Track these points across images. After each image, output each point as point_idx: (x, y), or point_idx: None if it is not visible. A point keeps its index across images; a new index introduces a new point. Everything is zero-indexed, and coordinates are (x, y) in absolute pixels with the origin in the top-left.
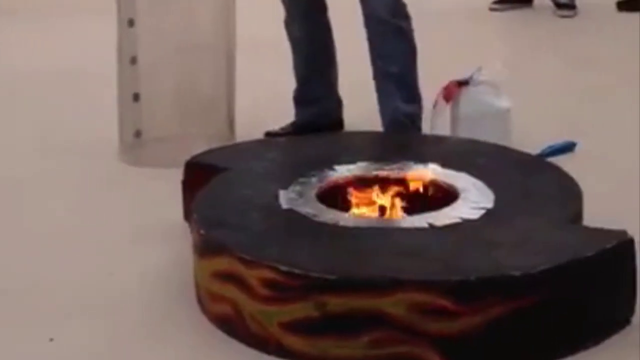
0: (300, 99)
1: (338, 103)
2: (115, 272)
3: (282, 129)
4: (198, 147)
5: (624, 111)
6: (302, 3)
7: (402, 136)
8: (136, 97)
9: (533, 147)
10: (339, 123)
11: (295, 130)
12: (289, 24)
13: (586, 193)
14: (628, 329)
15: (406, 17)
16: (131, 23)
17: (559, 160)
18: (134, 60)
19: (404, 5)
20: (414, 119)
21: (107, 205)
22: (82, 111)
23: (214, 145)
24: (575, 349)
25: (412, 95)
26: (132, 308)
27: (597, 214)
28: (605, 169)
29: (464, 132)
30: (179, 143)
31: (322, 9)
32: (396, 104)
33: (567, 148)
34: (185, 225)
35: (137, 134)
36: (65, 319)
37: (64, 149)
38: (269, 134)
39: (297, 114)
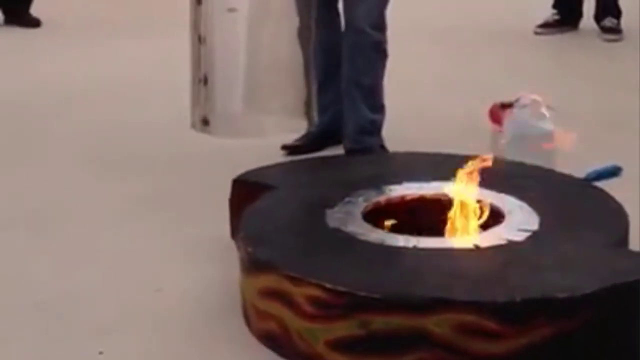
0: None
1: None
2: (162, 287)
3: (297, 140)
4: None
5: None
6: (320, 12)
7: (447, 157)
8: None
9: (577, 171)
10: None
11: (311, 139)
12: (303, 33)
13: (632, 217)
14: None
15: (384, 30)
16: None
17: (604, 185)
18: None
19: (384, 19)
20: (379, 127)
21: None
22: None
23: None
24: None
25: (379, 105)
26: (179, 324)
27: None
28: None
29: (508, 154)
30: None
31: (337, 16)
32: (363, 113)
33: (613, 173)
34: (231, 243)
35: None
36: (114, 333)
37: (119, 166)
38: (285, 148)
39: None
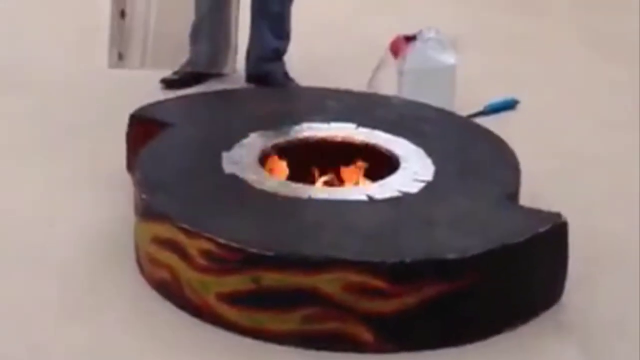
0: (195, 35)
1: (231, 48)
2: (56, 222)
3: (176, 73)
4: None
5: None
6: None
7: (347, 95)
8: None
9: (477, 103)
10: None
11: (188, 73)
12: None
13: (522, 154)
14: (555, 307)
15: None
16: None
17: (500, 119)
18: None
19: None
20: (281, 54)
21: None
22: None
23: None
24: (503, 329)
25: (284, 31)
26: (72, 262)
27: (534, 177)
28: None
29: (409, 87)
30: None
31: None
32: (267, 40)
33: (509, 105)
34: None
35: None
36: (3, 268)
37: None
38: (164, 81)
39: (191, 51)
